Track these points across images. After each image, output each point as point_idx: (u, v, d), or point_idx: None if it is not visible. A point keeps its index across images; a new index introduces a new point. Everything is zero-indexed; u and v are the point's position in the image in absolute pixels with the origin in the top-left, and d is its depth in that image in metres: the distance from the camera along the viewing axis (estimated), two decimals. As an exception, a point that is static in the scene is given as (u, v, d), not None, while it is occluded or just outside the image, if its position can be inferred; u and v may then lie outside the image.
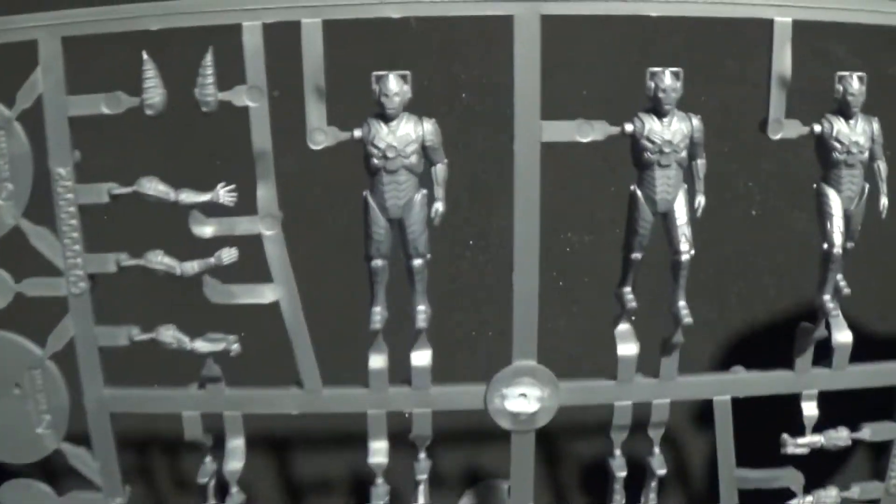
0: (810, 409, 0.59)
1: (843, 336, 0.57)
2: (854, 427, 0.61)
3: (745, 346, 0.82)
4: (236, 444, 0.56)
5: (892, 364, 0.59)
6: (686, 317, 0.53)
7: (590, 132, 0.52)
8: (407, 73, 0.50)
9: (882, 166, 0.53)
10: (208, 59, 0.50)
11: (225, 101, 0.50)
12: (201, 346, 0.54)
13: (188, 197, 0.52)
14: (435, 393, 0.56)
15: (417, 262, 0.53)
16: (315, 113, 0.50)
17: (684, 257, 0.52)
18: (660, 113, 0.51)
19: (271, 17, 0.50)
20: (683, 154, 0.52)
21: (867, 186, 0.54)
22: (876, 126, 0.53)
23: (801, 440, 0.59)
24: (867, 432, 0.61)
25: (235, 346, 0.54)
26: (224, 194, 0.52)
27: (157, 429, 0.77)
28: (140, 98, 0.50)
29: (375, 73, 0.50)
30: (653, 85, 0.50)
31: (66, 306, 0.54)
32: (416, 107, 0.51)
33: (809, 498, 0.61)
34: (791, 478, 0.61)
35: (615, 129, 0.52)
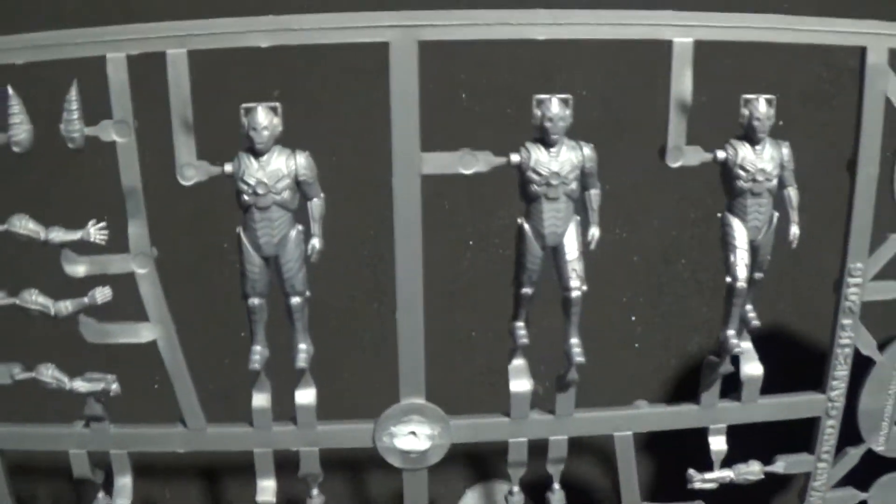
0: (718, 444, 0.57)
1: (751, 369, 0.55)
2: (767, 460, 0.59)
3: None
4: (124, 483, 0.55)
5: (807, 395, 0.57)
6: (578, 355, 0.51)
7: (473, 163, 0.50)
8: (277, 104, 0.48)
9: (793, 193, 0.51)
10: (73, 93, 0.48)
11: (92, 137, 0.49)
12: (80, 385, 0.53)
13: (58, 235, 0.50)
14: (321, 431, 0.54)
15: (295, 300, 0.51)
16: (184, 148, 0.49)
17: (574, 294, 0.50)
18: (547, 143, 0.48)
19: (135, 49, 0.48)
20: (573, 186, 0.49)
21: (776, 215, 0.52)
22: (786, 151, 0.50)
23: (708, 475, 0.57)
24: (781, 465, 0.59)
25: (115, 387, 0.53)
26: (95, 232, 0.50)
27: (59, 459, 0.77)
28: (7, 135, 0.49)
29: (244, 105, 0.48)
30: (539, 113, 0.48)
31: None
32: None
33: None
34: (698, 512, 0.59)
35: (501, 160, 0.50)
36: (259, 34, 0.47)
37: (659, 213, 0.85)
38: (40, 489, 0.81)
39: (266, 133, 0.46)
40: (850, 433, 0.59)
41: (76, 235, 0.50)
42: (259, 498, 0.54)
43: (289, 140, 0.50)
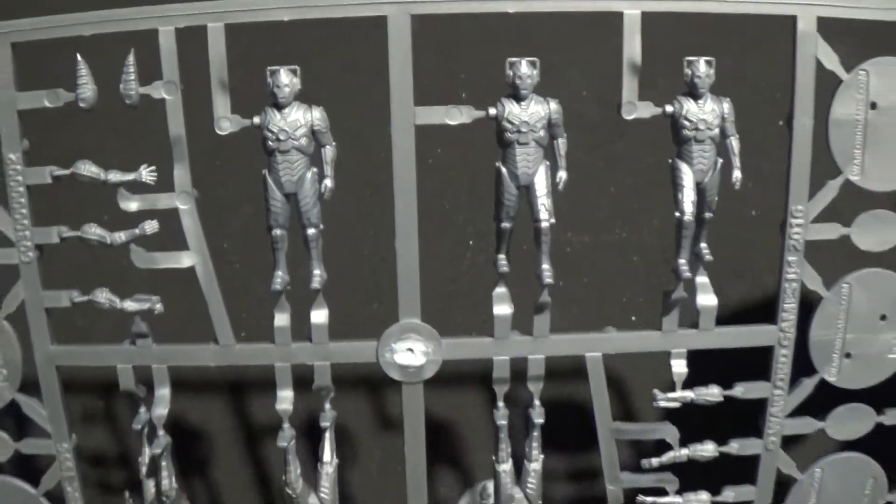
0: (679, 367, 0.64)
1: (706, 300, 0.63)
2: (728, 385, 0.66)
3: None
4: (163, 393, 0.65)
5: (760, 327, 0.65)
6: (548, 278, 0.60)
7: (458, 116, 0.60)
8: (296, 67, 0.58)
9: (734, 142, 0.60)
10: (131, 59, 0.59)
11: (145, 95, 0.60)
12: (130, 305, 0.63)
13: (116, 176, 0.61)
14: (333, 347, 0.64)
15: (311, 231, 0.61)
16: (221, 104, 0.59)
17: (543, 224, 0.59)
18: (518, 98, 0.58)
19: (182, 23, 0.59)
20: (541, 133, 0.58)
21: (720, 161, 0.60)
22: (727, 105, 0.59)
23: (671, 395, 0.65)
24: (740, 390, 0.66)
25: (159, 306, 0.63)
26: (146, 174, 0.61)
27: (102, 382, 0.87)
28: (75, 94, 0.60)
29: (269, 67, 0.59)
30: (511, 73, 0.58)
31: (18, 273, 0.64)
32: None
33: (685, 451, 0.66)
34: (667, 432, 0.67)
35: (481, 113, 0.59)
36: (282, 10, 0.58)
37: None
38: (89, 405, 0.92)
39: (287, 90, 0.57)
40: (805, 366, 0.66)
41: (130, 177, 0.61)
42: (279, 406, 0.64)
43: (305, 97, 0.60)
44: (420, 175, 0.60)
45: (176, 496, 0.65)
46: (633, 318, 0.91)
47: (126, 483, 0.88)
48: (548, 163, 0.59)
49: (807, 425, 0.66)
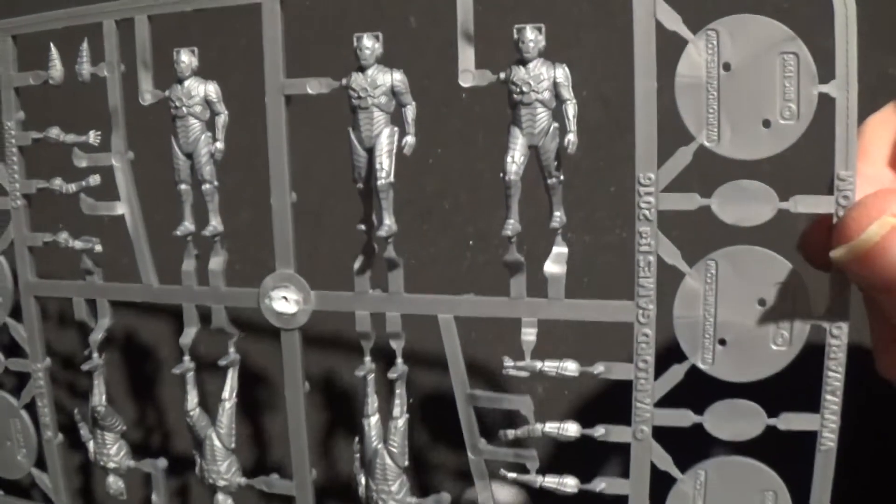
0: (528, 335, 0.63)
1: (553, 267, 0.62)
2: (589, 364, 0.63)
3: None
4: (103, 322, 0.75)
5: (614, 301, 0.60)
6: (385, 230, 0.62)
7: (318, 87, 0.65)
8: (379, 34, 0.61)
9: (570, 107, 0.59)
10: (84, 45, 0.72)
11: (94, 73, 0.72)
12: (77, 244, 0.75)
13: (70, 138, 0.74)
14: (224, 292, 0.70)
15: (206, 186, 0.69)
16: (144, 80, 0.70)
17: (381, 182, 0.63)
18: (524, 62, 0.58)
19: (118, 16, 0.71)
20: (546, 95, 0.58)
21: (554, 125, 0.60)
22: (560, 71, 0.59)
23: (520, 363, 0.64)
24: (601, 367, 0.63)
25: (98, 247, 0.74)
26: (93, 137, 0.73)
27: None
28: (47, 73, 0.74)
29: (356, 34, 0.61)
30: (517, 38, 0.57)
31: (9, 218, 0.79)
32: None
33: (539, 426, 0.64)
34: (521, 403, 0.65)
35: (493, 78, 0.59)
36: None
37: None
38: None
39: (368, 52, 0.61)
40: (679, 352, 0.61)
41: (82, 139, 0.74)
42: (182, 340, 0.72)
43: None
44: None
45: (105, 412, 0.75)
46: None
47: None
48: (557, 125, 0.59)
49: (681, 417, 0.60)
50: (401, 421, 0.67)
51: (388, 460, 0.67)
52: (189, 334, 0.72)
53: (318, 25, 0.71)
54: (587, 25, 0.61)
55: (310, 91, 0.64)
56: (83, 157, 0.73)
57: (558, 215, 0.61)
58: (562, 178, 0.61)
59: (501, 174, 0.59)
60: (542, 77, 0.58)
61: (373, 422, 0.67)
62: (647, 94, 0.57)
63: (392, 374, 0.65)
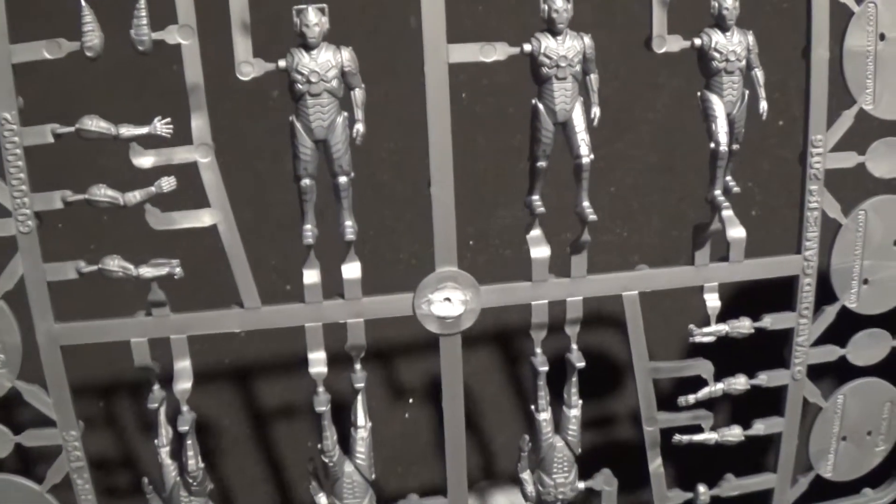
0: (712, 301, 0.62)
1: (735, 231, 0.61)
2: (756, 318, 0.64)
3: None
4: (184, 366, 0.57)
5: (785, 257, 0.63)
6: (590, 214, 0.57)
7: (492, 53, 0.56)
8: (324, 5, 0.53)
9: (759, 74, 0.57)
10: (142, 2, 0.53)
11: (158, 41, 0.53)
12: (146, 271, 0.55)
13: (128, 131, 0.54)
14: (366, 303, 0.58)
15: (342, 179, 0.55)
16: (242, 47, 0.53)
17: (584, 160, 0.56)
18: (554, 32, 0.55)
19: (196, -39, 0.53)
20: (578, 68, 0.54)
21: (747, 92, 0.58)
22: (751, 38, 0.57)
23: (706, 329, 0.63)
24: (768, 321, 0.64)
25: (178, 270, 0.55)
26: (161, 126, 0.54)
27: (102, 369, 0.78)
28: (80, 42, 0.53)
29: (296, 7, 0.53)
30: (546, 7, 0.54)
31: (15, 246, 0.56)
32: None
33: (720, 385, 0.65)
34: (702, 367, 0.64)
35: (515, 50, 0.56)
36: (303, -55, 0.53)
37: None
38: (94, 390, 0.82)
39: (317, 29, 0.51)
40: (827, 295, 0.65)
41: (144, 130, 0.54)
42: (312, 369, 0.57)
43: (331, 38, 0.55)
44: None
45: (202, 476, 0.58)
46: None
47: (130, 484, 0.79)
48: (582, 98, 0.55)
49: (829, 353, 0.64)
50: (577, 410, 0.62)
51: (565, 450, 0.61)
52: (320, 361, 0.58)
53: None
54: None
55: (483, 59, 0.55)
56: (147, 154, 0.54)
57: (730, 179, 0.60)
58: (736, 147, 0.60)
59: (711, 144, 0.57)
60: (743, 44, 0.56)
61: (546, 416, 0.61)
62: (821, 62, 0.59)
63: (579, 363, 0.60)
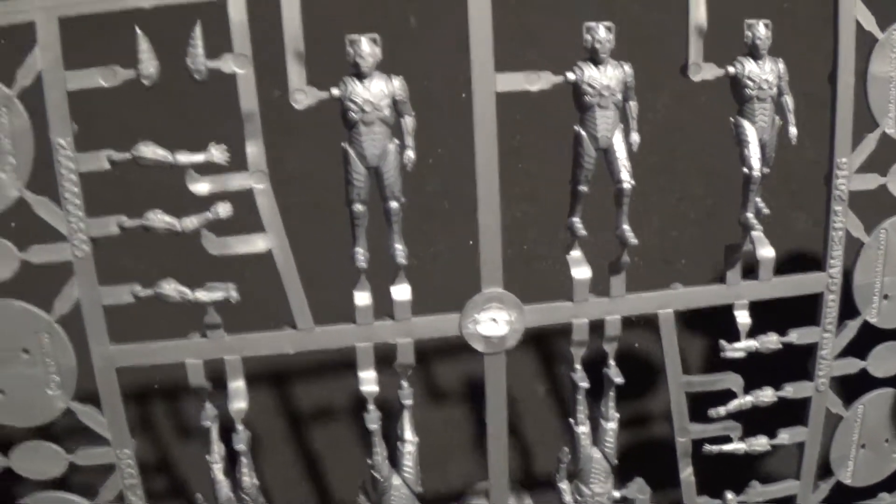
0: (743, 318, 0.64)
1: (766, 251, 0.63)
2: (782, 333, 0.67)
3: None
4: (238, 386, 0.58)
5: (812, 274, 0.65)
6: (630, 238, 0.58)
7: (537, 81, 0.57)
8: (376, 35, 0.54)
9: (789, 100, 0.59)
10: (197, 31, 0.53)
11: (214, 69, 0.54)
12: (203, 295, 0.56)
13: (185, 158, 0.54)
14: (415, 323, 0.59)
15: (394, 204, 0.56)
16: (296, 75, 0.54)
17: (626, 185, 0.57)
18: (596, 62, 0.56)
19: (251, -8, 0.53)
20: (619, 97, 0.56)
21: (777, 119, 0.61)
22: (782, 66, 0.59)
23: (737, 345, 0.64)
24: (794, 336, 0.66)
25: (234, 294, 0.56)
26: (218, 154, 0.55)
27: (151, 382, 0.78)
28: (135, 70, 0.53)
29: (349, 36, 0.54)
30: (589, 38, 0.56)
31: (71, 270, 0.56)
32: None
33: (749, 397, 0.67)
34: (732, 381, 0.66)
35: (559, 79, 0.57)
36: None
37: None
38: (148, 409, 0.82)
39: (371, 60, 0.52)
40: (848, 310, 0.67)
41: (200, 157, 0.54)
42: (363, 388, 0.58)
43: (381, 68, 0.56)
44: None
45: (256, 493, 0.59)
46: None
47: (169, 494, 0.79)
48: (622, 125, 0.57)
49: (851, 365, 0.66)
50: (614, 423, 0.63)
51: (602, 461, 0.63)
52: (371, 379, 0.59)
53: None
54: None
55: (528, 87, 0.56)
56: (203, 181, 0.55)
57: (762, 204, 0.62)
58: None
59: (744, 169, 0.59)
60: (775, 72, 0.58)
61: (584, 429, 0.63)
62: (847, 88, 0.60)
63: (617, 378, 0.62)
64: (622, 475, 0.64)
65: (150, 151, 0.52)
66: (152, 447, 0.84)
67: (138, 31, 0.50)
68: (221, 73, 0.51)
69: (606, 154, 0.54)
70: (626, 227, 0.54)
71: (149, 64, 0.50)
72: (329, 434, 0.84)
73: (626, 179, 0.53)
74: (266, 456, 0.85)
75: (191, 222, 0.52)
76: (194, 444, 0.71)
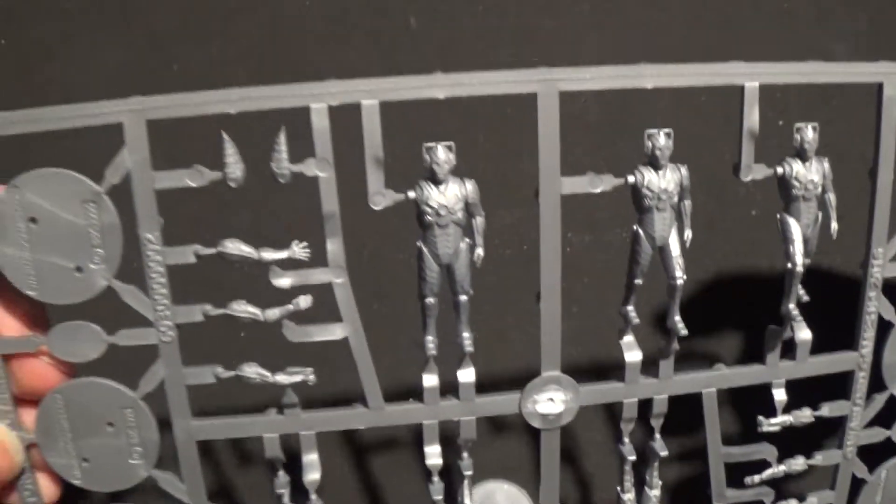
0: (780, 395, 0.68)
1: (804, 334, 0.66)
2: (815, 407, 0.71)
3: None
4: (312, 458, 0.62)
5: (843, 354, 0.69)
6: (682, 329, 0.62)
7: (599, 184, 0.60)
8: (451, 143, 0.56)
9: (832, 197, 0.62)
10: (282, 137, 0.56)
11: (297, 172, 0.57)
12: (283, 378, 0.59)
13: (269, 255, 0.58)
14: (479, 402, 0.63)
15: (463, 298, 0.60)
16: (374, 179, 0.57)
17: (679, 281, 0.61)
18: (656, 166, 0.60)
19: (335, 100, 0.56)
20: (675, 199, 0.59)
21: (820, 214, 0.64)
22: (826, 165, 0.62)
23: (773, 420, 0.69)
24: (826, 410, 0.71)
25: (312, 377, 0.60)
26: (299, 250, 0.58)
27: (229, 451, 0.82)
28: (222, 172, 0.56)
29: (426, 144, 0.56)
30: (650, 144, 0.59)
31: (156, 352, 0.60)
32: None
33: (782, 467, 0.71)
34: (767, 451, 0.71)
35: (620, 181, 0.60)
36: (436, 88, 0.56)
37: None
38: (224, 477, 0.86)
39: (447, 167, 0.55)
40: (876, 384, 0.71)
41: (284, 255, 0.58)
42: (429, 461, 0.62)
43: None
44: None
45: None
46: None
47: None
48: (676, 223, 0.60)
49: (877, 434, 0.71)
50: (657, 490, 0.68)
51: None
52: (435, 454, 0.63)
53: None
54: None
55: (591, 190, 0.60)
56: (286, 275, 0.58)
57: (802, 291, 0.66)
58: None
59: (788, 265, 0.62)
60: (820, 173, 0.61)
61: (630, 497, 0.68)
62: (886, 185, 0.64)
63: (662, 452, 0.66)
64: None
65: (236, 248, 0.55)
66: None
67: (224, 136, 0.53)
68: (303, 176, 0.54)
69: (661, 251, 0.58)
70: (677, 318, 0.58)
71: (235, 168, 0.53)
72: (394, 499, 0.87)
73: (679, 276, 0.57)
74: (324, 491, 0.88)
75: (273, 314, 0.55)
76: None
